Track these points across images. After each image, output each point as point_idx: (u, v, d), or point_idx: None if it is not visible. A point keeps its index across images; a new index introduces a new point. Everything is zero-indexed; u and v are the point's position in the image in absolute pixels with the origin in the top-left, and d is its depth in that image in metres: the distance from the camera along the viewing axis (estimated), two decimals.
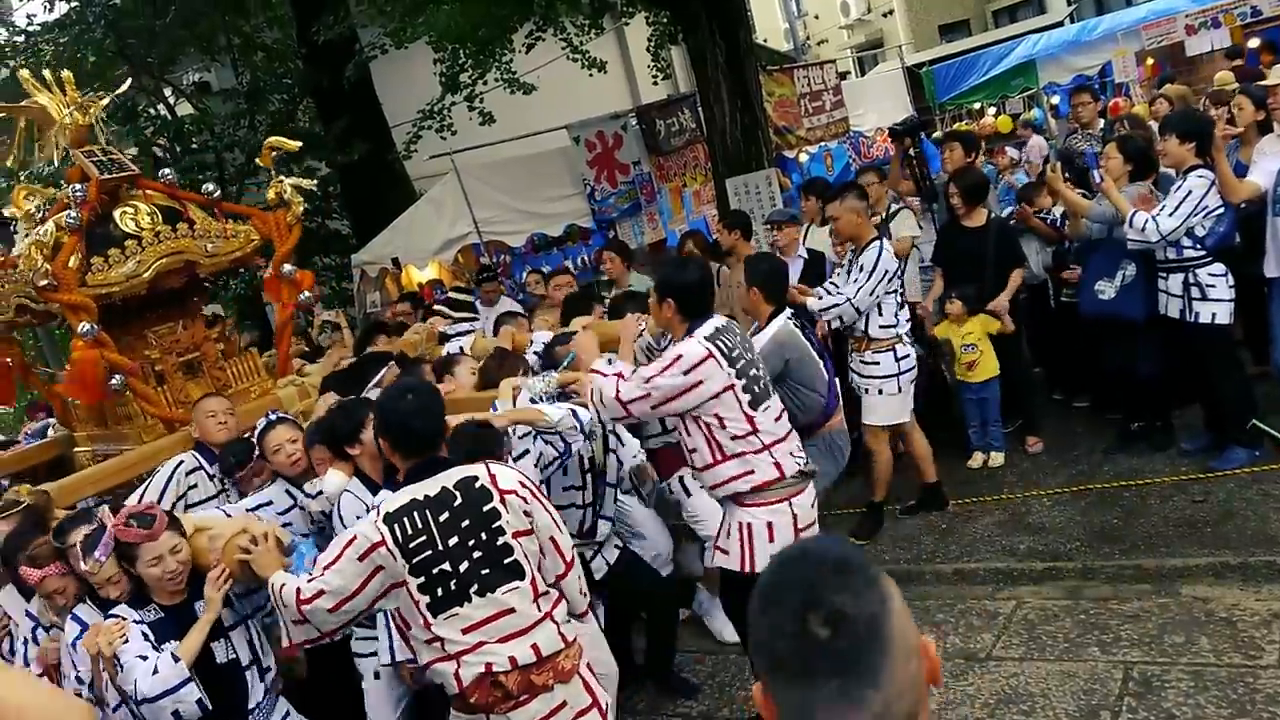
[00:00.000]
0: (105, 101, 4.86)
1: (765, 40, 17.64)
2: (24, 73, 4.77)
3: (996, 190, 7.05)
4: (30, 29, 11.89)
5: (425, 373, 4.53)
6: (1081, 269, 5.69)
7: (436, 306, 7.21)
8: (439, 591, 2.73)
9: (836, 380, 4.75)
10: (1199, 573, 4.32)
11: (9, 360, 4.99)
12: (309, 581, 2.80)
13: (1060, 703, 3.72)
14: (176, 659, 3.00)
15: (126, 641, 3.02)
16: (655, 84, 13.19)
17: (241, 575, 3.16)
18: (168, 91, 12.87)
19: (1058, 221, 6.19)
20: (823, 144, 11.78)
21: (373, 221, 11.30)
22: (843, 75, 13.80)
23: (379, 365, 4.60)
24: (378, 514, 2.78)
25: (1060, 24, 16.48)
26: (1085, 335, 5.82)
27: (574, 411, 3.76)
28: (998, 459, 6.01)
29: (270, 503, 3.95)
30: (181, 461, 4.29)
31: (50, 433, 5.62)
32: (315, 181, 5.14)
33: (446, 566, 2.73)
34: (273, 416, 4.19)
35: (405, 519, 2.74)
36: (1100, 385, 6.21)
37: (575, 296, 6.13)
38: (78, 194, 4.38)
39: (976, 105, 14.91)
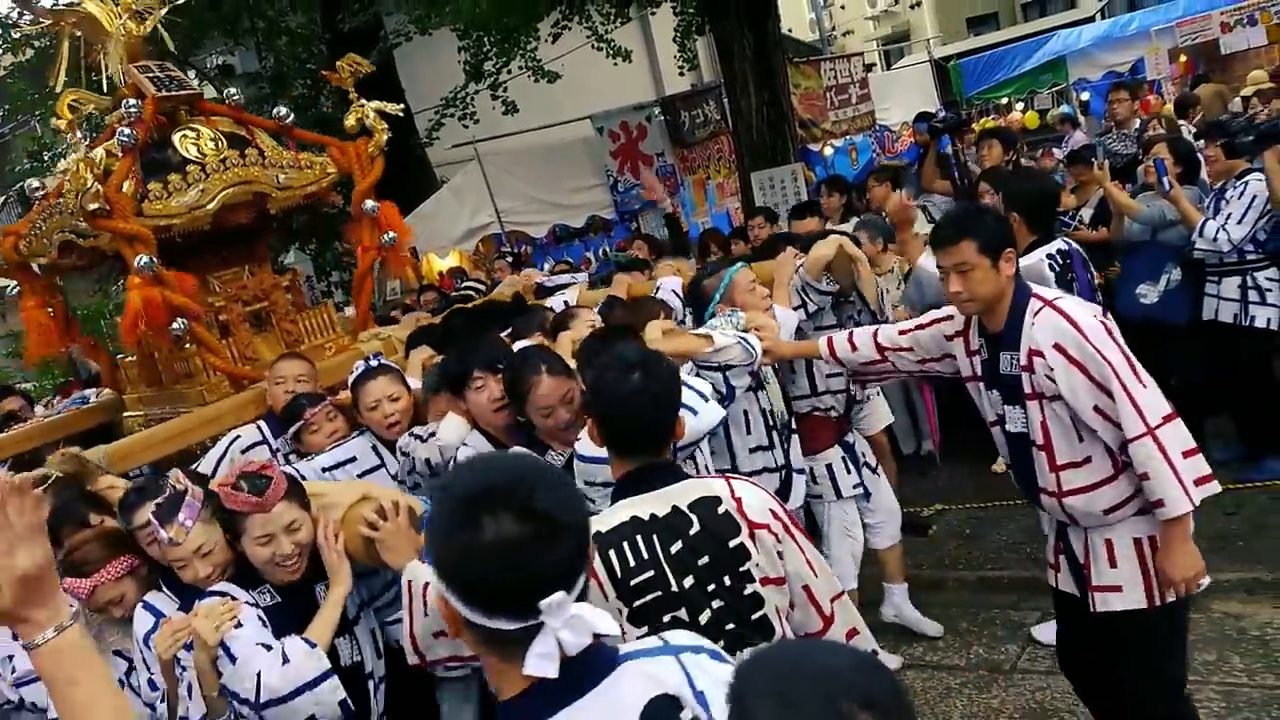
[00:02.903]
0: (163, 11, 4.21)
1: (790, 30, 17.49)
2: None
3: None
4: (56, 9, 11.92)
5: (545, 320, 3.93)
6: (1121, 271, 5.57)
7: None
8: None
9: None
10: (1230, 589, 4.22)
11: (50, 309, 4.36)
12: None
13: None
14: (312, 644, 2.32)
15: (239, 626, 2.29)
16: (681, 74, 13.09)
17: (365, 557, 2.50)
18: (191, 74, 12.87)
19: (1083, 222, 6.03)
20: (848, 138, 11.68)
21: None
22: (868, 67, 13.68)
23: (501, 317, 4.00)
24: None
25: (1091, 19, 16.31)
26: None
27: (744, 341, 3.13)
28: None
29: (354, 459, 3.29)
30: (238, 436, 3.58)
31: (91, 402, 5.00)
32: (401, 106, 4.56)
33: (682, 614, 2.04)
34: (374, 362, 3.42)
35: (625, 544, 2.04)
36: None
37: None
38: (132, 110, 3.73)
39: (1004, 100, 14.74)
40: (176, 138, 3.95)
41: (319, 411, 3.45)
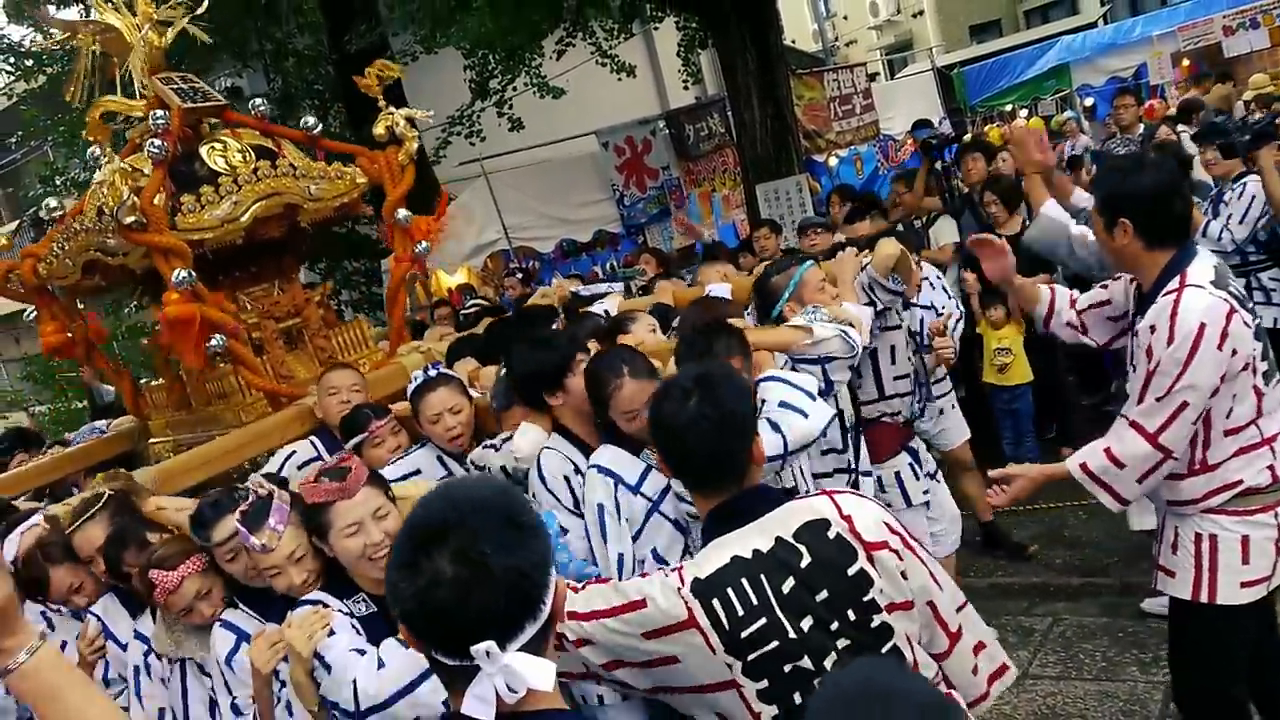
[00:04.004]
0: (184, 22, 4.08)
1: (793, 41, 17.57)
2: None
3: None
4: (74, 21, 12.05)
5: (597, 327, 3.73)
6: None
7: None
8: (796, 698, 1.78)
9: None
10: None
11: (70, 335, 4.20)
12: (570, 618, 1.90)
13: None
14: (408, 645, 2.26)
15: (332, 634, 2.17)
16: (685, 88, 13.17)
17: None
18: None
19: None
20: (852, 148, 11.72)
21: None
22: (872, 77, 13.73)
23: (546, 320, 3.82)
24: (679, 577, 1.84)
25: (1093, 24, 16.35)
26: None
27: (844, 333, 3.00)
28: None
29: (418, 472, 3.16)
30: (293, 452, 3.46)
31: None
32: (431, 111, 4.50)
33: (806, 664, 1.78)
34: (432, 372, 3.29)
35: (730, 591, 1.79)
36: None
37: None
38: (159, 122, 3.61)
39: (1008, 107, 14.79)
40: (204, 150, 3.85)
41: (384, 425, 3.30)
